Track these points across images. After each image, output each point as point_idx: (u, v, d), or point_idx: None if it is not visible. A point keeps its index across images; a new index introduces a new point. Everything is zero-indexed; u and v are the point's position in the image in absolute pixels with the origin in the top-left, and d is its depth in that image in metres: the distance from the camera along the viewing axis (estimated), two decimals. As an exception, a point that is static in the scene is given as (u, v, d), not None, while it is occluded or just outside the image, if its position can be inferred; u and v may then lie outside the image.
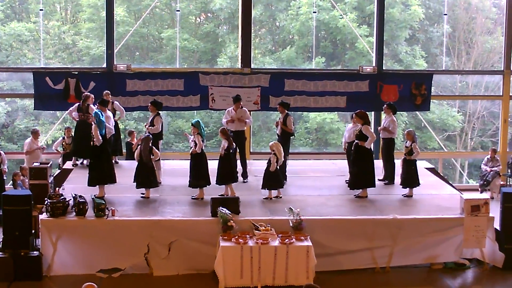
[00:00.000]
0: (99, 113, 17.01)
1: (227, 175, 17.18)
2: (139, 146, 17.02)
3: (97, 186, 16.84)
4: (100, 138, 16.56)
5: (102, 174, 16.87)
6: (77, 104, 20.12)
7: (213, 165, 17.76)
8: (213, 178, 17.22)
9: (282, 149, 17.40)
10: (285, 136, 19.07)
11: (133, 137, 22.61)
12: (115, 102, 20.12)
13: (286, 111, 19.06)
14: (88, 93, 20.21)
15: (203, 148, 17.11)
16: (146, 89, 23.76)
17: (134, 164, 20.00)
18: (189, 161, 17.33)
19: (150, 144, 17.03)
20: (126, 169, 20.18)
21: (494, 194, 22.74)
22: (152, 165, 17.04)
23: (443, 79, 32.99)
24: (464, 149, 34.97)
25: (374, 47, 25.38)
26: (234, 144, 17.34)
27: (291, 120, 19.02)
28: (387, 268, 15.93)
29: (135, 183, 17.13)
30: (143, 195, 17.19)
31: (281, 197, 17.38)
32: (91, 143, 16.73)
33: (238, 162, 18.59)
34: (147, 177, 17.04)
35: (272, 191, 17.40)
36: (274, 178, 17.34)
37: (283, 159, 17.55)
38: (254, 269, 14.53)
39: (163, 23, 35.13)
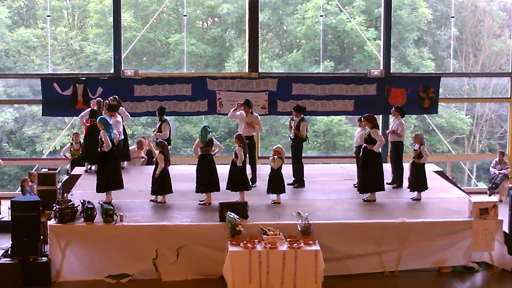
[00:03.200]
0: (106, 118, 17.01)
1: (241, 182, 17.17)
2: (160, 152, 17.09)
3: (105, 192, 16.86)
4: (110, 143, 16.53)
5: (109, 180, 16.86)
6: (89, 109, 20.18)
7: (221, 170, 17.78)
8: (223, 183, 17.20)
9: (284, 152, 17.37)
10: (298, 141, 19.06)
11: (148, 143, 22.59)
12: (120, 107, 20.15)
13: (302, 116, 19.05)
14: (101, 99, 20.29)
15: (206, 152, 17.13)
16: (154, 94, 23.80)
17: (142, 169, 20.12)
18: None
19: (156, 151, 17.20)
20: (134, 174, 20.24)
21: (502, 197, 22.68)
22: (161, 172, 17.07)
23: (450, 82, 32.98)
24: (472, 152, 34.94)
25: (382, 50, 25.37)
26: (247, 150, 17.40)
27: (305, 125, 18.98)
28: (396, 272, 15.88)
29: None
30: (155, 201, 17.30)
31: (279, 203, 17.37)
32: (99, 148, 16.72)
33: (248, 166, 18.52)
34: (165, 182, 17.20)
35: (277, 194, 17.42)
36: (277, 182, 17.35)
37: (284, 162, 17.52)
38: (263, 274, 14.51)
39: (170, 28, 35.20)
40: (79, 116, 20.68)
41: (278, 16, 35.07)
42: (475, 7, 35.52)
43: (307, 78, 25.03)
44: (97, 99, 20.58)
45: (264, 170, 18.34)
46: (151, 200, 17.22)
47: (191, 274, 15.49)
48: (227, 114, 23.72)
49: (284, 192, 17.51)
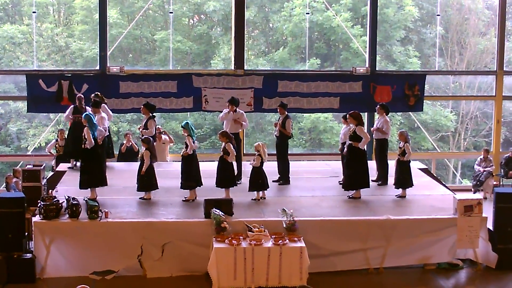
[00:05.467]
0: (91, 115, 16.97)
1: (229, 179, 17.18)
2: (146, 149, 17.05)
3: (89, 188, 16.82)
4: (92, 140, 16.50)
5: (92, 177, 16.82)
6: (72, 106, 20.11)
7: (206, 167, 17.79)
8: (208, 180, 17.20)
9: (266, 150, 17.40)
10: (283, 138, 19.09)
11: (128, 139, 22.57)
12: (103, 104, 20.03)
13: (286, 113, 19.08)
14: (82, 95, 20.21)
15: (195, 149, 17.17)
16: (139, 91, 23.73)
17: (127, 166, 20.06)
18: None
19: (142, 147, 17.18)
20: (119, 171, 20.20)
21: (487, 194, 22.79)
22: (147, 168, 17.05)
23: (436, 79, 33.04)
24: (457, 150, 35.03)
25: (367, 48, 25.41)
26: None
27: (290, 122, 19.03)
28: (381, 269, 15.93)
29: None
30: (143, 198, 17.24)
31: (264, 199, 17.39)
32: (83, 145, 16.67)
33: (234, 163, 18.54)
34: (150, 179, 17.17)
35: (260, 192, 17.44)
36: (258, 179, 17.35)
37: (267, 160, 17.52)
38: (248, 271, 14.52)
39: (156, 25, 35.12)
40: (65, 114, 20.57)
41: (264, 14, 35.07)
42: (460, 5, 35.62)
43: (292, 75, 25.02)
44: (78, 95, 20.49)
45: (249, 167, 18.34)
46: (140, 198, 17.18)
47: (176, 270, 15.50)
48: (213, 111, 23.88)
49: (267, 187, 17.54)
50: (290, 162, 19.42)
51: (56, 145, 21.71)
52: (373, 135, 19.43)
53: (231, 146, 16.97)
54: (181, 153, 17.30)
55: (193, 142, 17.01)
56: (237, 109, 19.06)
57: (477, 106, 35.21)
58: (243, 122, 19.01)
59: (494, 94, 26.49)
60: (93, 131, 16.57)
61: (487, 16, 35.56)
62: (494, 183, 23.43)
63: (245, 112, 19.78)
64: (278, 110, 19.39)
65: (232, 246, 14.55)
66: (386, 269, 15.97)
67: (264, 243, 14.69)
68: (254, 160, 17.26)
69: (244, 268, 14.52)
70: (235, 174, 17.96)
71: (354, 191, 17.70)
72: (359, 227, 15.85)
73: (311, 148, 33.83)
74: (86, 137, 16.50)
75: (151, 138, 17.56)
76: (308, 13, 31.55)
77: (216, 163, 17.38)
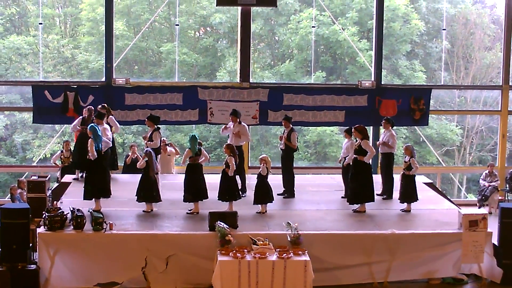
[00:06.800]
0: (96, 127, 16.97)
1: (229, 192, 17.13)
2: (146, 161, 16.99)
3: (93, 199, 16.81)
4: (95, 152, 16.50)
5: (96, 188, 16.81)
6: (80, 117, 20.10)
7: (212, 180, 17.76)
8: (213, 193, 17.18)
9: (270, 161, 17.37)
10: (288, 152, 19.05)
11: (134, 151, 22.55)
12: (110, 116, 20.03)
13: (291, 126, 19.03)
14: (92, 107, 20.22)
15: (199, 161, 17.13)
16: (145, 103, 23.73)
17: (132, 178, 20.05)
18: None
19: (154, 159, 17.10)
20: (123, 182, 20.18)
21: (492, 209, 22.72)
22: (146, 180, 17.02)
23: (441, 94, 33.08)
24: (462, 164, 35.01)
25: (373, 62, 25.41)
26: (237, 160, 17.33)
27: (296, 136, 18.95)
28: (385, 283, 15.88)
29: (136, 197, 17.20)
30: (145, 210, 17.18)
31: (264, 213, 17.34)
32: (87, 157, 16.69)
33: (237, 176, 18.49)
34: (149, 191, 17.10)
35: (264, 205, 17.39)
36: (263, 192, 17.32)
37: (271, 171, 17.48)
38: (252, 284, 14.48)
39: (162, 37, 35.21)
40: (72, 125, 20.58)
41: (270, 26, 35.14)
42: (466, 19, 35.67)
43: (298, 88, 24.99)
44: (88, 107, 20.51)
45: (254, 180, 18.32)
46: (143, 211, 17.15)
47: (180, 283, 15.46)
48: (218, 124, 23.86)
49: (272, 200, 17.52)
50: (295, 175, 19.39)
51: (62, 156, 21.68)
52: (379, 149, 19.39)
53: (233, 160, 16.92)
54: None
55: (194, 155, 16.95)
56: (241, 122, 19.01)
57: (483, 120, 35.23)
58: (242, 136, 18.88)
59: (499, 109, 26.46)
60: (97, 143, 16.57)
61: (493, 31, 35.63)
62: (499, 198, 23.38)
63: (250, 125, 19.78)
64: (282, 123, 19.35)
65: (237, 259, 14.52)
66: (391, 283, 15.91)
67: (268, 257, 14.66)
68: (261, 169, 17.23)
69: (248, 281, 14.48)
70: (239, 187, 17.90)
71: (359, 205, 17.67)
72: (363, 241, 15.81)
73: (316, 161, 33.82)
74: (89, 148, 16.52)
75: (151, 151, 17.45)
76: (314, 27, 31.60)
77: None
